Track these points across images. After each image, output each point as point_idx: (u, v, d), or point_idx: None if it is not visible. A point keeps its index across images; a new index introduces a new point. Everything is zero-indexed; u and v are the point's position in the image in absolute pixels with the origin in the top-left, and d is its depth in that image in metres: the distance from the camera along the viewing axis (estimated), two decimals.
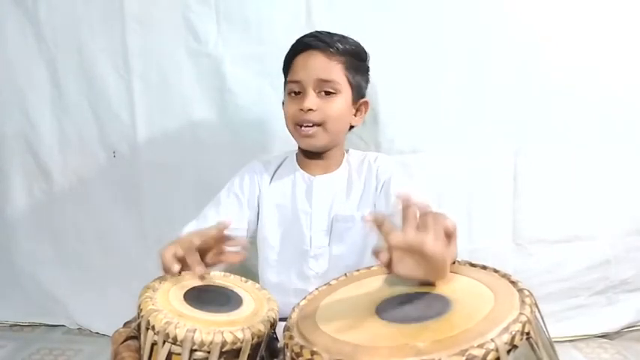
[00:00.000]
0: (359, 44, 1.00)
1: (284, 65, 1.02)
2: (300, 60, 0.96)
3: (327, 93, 0.95)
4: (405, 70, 1.31)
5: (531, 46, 1.30)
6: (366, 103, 1.04)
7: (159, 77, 1.39)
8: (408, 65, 1.31)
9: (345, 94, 0.97)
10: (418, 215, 0.56)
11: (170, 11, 1.36)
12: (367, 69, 1.03)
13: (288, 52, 1.00)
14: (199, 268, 0.72)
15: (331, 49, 0.95)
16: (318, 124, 0.95)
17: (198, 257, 0.73)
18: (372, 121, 1.31)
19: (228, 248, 0.79)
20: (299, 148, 1.04)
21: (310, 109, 0.93)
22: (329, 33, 0.98)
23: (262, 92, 1.34)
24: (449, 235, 0.57)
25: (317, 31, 1.00)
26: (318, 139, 0.97)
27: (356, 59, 0.99)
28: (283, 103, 1.05)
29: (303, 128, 0.95)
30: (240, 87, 1.36)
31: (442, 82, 1.31)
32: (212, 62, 1.36)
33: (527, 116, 1.32)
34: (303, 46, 0.97)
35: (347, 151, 1.07)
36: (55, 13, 1.41)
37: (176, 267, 0.73)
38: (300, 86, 0.95)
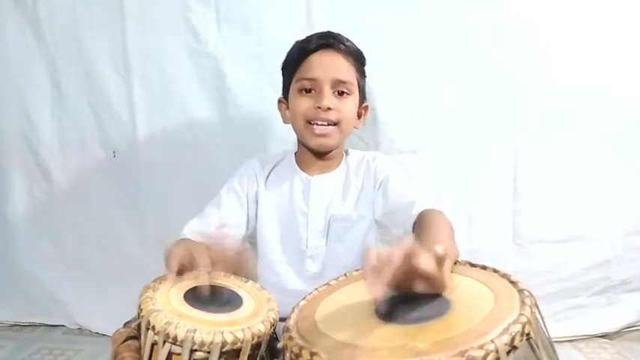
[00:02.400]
0: (359, 48, 1.01)
1: (291, 62, 1.00)
2: (316, 58, 0.95)
3: (341, 93, 0.96)
4: (405, 70, 1.31)
5: (531, 47, 1.30)
6: (366, 107, 1.06)
7: (159, 77, 1.39)
8: (408, 65, 1.31)
9: (355, 96, 0.99)
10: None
11: (170, 11, 1.36)
12: (366, 74, 1.04)
13: (298, 50, 0.98)
14: (205, 275, 0.71)
15: (347, 50, 0.96)
16: (334, 124, 0.95)
17: (208, 260, 0.73)
18: (371, 121, 1.32)
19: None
20: (300, 147, 1.04)
21: (329, 108, 0.93)
22: (338, 34, 0.98)
23: (262, 92, 1.34)
24: (440, 260, 0.55)
25: (327, 32, 0.99)
26: (332, 139, 0.97)
27: (361, 64, 1.00)
28: (280, 101, 1.05)
29: (317, 126, 0.95)
30: (240, 87, 1.36)
31: (442, 83, 1.32)
32: (212, 62, 1.36)
33: (527, 116, 1.32)
34: (318, 44, 0.96)
35: (346, 151, 1.07)
36: (55, 13, 1.41)
37: (174, 271, 0.73)
38: (315, 84, 0.95)
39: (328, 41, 0.96)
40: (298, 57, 0.98)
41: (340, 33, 0.99)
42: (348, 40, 0.98)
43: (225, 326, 0.64)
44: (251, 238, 1.07)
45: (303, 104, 0.96)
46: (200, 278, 0.75)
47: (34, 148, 1.50)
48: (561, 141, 1.33)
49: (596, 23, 1.29)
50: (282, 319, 0.66)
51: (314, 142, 0.97)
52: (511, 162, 1.34)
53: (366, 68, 1.03)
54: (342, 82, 0.95)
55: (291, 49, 1.01)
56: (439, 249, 0.55)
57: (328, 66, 0.95)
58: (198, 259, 0.73)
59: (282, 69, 1.04)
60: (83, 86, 1.44)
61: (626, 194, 1.35)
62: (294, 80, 0.98)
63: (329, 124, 0.95)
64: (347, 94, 0.96)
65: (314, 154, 1.01)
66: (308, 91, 0.96)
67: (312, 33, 1.02)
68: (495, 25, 1.30)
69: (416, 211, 0.82)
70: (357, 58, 0.99)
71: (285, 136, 1.30)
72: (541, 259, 1.36)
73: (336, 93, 0.95)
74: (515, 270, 1.32)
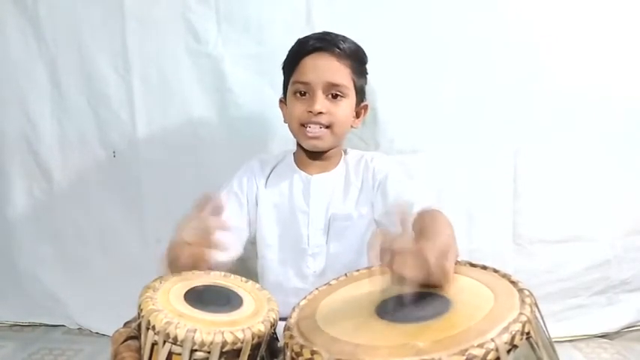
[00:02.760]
0: (360, 46, 1.00)
1: (288, 64, 1.01)
2: (310, 61, 0.96)
3: (335, 96, 0.96)
4: (405, 70, 1.31)
5: (531, 46, 1.30)
6: (366, 106, 1.06)
7: (159, 77, 1.39)
8: (408, 65, 1.31)
9: (351, 98, 0.99)
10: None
11: (170, 11, 1.36)
12: (367, 71, 1.04)
13: (294, 51, 0.99)
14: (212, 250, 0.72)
15: (341, 53, 0.95)
16: (327, 127, 0.96)
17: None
18: (371, 121, 1.32)
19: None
20: (298, 147, 1.04)
21: (320, 112, 0.94)
22: (336, 35, 0.98)
23: (262, 92, 1.34)
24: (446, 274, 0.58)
25: (324, 32, 0.99)
26: (324, 141, 0.97)
27: (360, 63, 1.00)
28: (280, 101, 1.06)
29: (309, 129, 0.95)
30: (240, 87, 1.36)
31: (442, 82, 1.32)
32: (212, 62, 1.36)
33: (527, 116, 1.32)
34: (313, 47, 0.96)
35: (345, 151, 1.08)
36: (55, 13, 1.41)
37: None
38: (309, 88, 0.95)
39: (323, 44, 0.96)
40: (294, 59, 0.99)
41: (340, 33, 0.99)
42: (345, 40, 0.97)
43: (226, 326, 0.64)
44: (251, 239, 1.08)
45: (296, 108, 0.97)
46: (201, 278, 0.75)
47: (34, 148, 1.50)
48: (561, 141, 1.33)
49: (596, 23, 1.29)
50: (283, 319, 0.66)
51: (307, 144, 0.98)
52: (511, 162, 1.34)
53: (367, 67, 1.03)
54: (335, 86, 0.95)
55: (291, 48, 1.01)
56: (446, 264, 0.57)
57: (321, 69, 0.95)
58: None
59: (282, 69, 1.04)
60: (83, 86, 1.43)
61: (626, 194, 1.35)
62: (290, 82, 0.99)
63: (321, 127, 0.96)
64: (341, 96, 0.97)
65: (310, 155, 1.02)
66: (302, 94, 0.97)
67: (312, 33, 1.02)
68: (495, 24, 1.30)
69: (415, 211, 0.83)
70: (354, 59, 0.98)
71: (286, 136, 1.29)
72: (541, 259, 1.36)
73: (330, 96, 0.96)
74: (515, 270, 1.32)
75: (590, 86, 1.31)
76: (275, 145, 1.34)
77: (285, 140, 1.31)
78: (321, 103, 0.94)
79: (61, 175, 1.50)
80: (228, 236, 0.96)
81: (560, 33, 1.29)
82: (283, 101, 1.05)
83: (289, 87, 1.00)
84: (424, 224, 0.77)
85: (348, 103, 0.98)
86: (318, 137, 0.96)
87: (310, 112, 0.94)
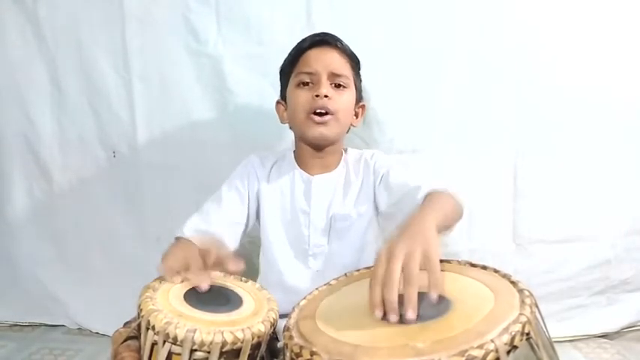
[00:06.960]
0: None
1: (289, 61, 1.02)
2: (314, 53, 0.98)
3: (338, 86, 0.98)
4: (405, 69, 1.31)
5: (532, 46, 1.30)
6: (363, 106, 1.08)
7: (159, 77, 1.39)
8: (408, 65, 1.31)
9: (352, 91, 1.01)
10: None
11: (170, 11, 1.36)
12: (361, 77, 1.06)
13: (295, 49, 1.01)
14: (204, 284, 0.73)
15: (342, 49, 1.00)
16: (332, 113, 0.96)
17: (202, 271, 0.74)
18: (371, 121, 1.31)
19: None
20: (299, 145, 1.04)
21: (326, 96, 0.95)
22: (334, 35, 1.01)
23: (262, 92, 1.34)
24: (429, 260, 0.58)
25: (323, 32, 1.02)
26: (331, 128, 0.97)
27: (357, 65, 1.03)
28: (278, 102, 1.07)
29: (316, 116, 0.96)
30: (240, 87, 1.36)
31: (442, 82, 1.32)
32: (212, 62, 1.36)
33: (528, 116, 1.32)
34: (317, 41, 0.99)
35: (345, 150, 1.08)
36: (55, 13, 1.41)
37: (177, 280, 0.75)
38: (313, 77, 0.97)
39: (325, 38, 1.00)
40: (295, 55, 1.01)
41: (340, 33, 1.02)
42: (343, 42, 1.01)
43: (225, 326, 0.64)
44: (250, 237, 1.08)
45: (302, 97, 0.97)
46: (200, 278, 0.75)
47: (34, 148, 1.49)
48: (561, 141, 1.33)
49: (596, 24, 1.29)
50: (283, 316, 0.67)
51: (314, 132, 0.97)
52: (511, 162, 1.34)
53: (367, 68, 1.04)
54: (338, 76, 0.98)
55: (290, 51, 1.03)
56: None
57: (325, 60, 0.98)
58: (193, 268, 0.75)
59: (281, 71, 1.06)
60: (83, 86, 1.43)
61: (626, 194, 1.35)
62: (292, 76, 1.00)
63: (327, 113, 0.96)
64: (343, 87, 0.99)
65: (313, 149, 1.02)
66: (306, 84, 0.98)
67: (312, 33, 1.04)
68: (495, 24, 1.30)
69: (422, 195, 0.82)
70: (353, 59, 1.02)
71: (286, 136, 1.30)
72: (541, 259, 1.36)
73: (333, 85, 0.98)
74: (515, 270, 1.32)
75: (590, 86, 1.31)
76: (275, 146, 1.34)
77: (285, 140, 1.31)
78: (327, 88, 0.96)
79: (61, 175, 1.50)
80: (226, 230, 0.97)
81: (560, 32, 1.29)
82: (281, 102, 1.06)
83: (291, 80, 1.01)
84: (422, 204, 0.77)
85: (351, 94, 1.01)
86: (325, 123, 0.96)
87: (317, 96, 0.95)
